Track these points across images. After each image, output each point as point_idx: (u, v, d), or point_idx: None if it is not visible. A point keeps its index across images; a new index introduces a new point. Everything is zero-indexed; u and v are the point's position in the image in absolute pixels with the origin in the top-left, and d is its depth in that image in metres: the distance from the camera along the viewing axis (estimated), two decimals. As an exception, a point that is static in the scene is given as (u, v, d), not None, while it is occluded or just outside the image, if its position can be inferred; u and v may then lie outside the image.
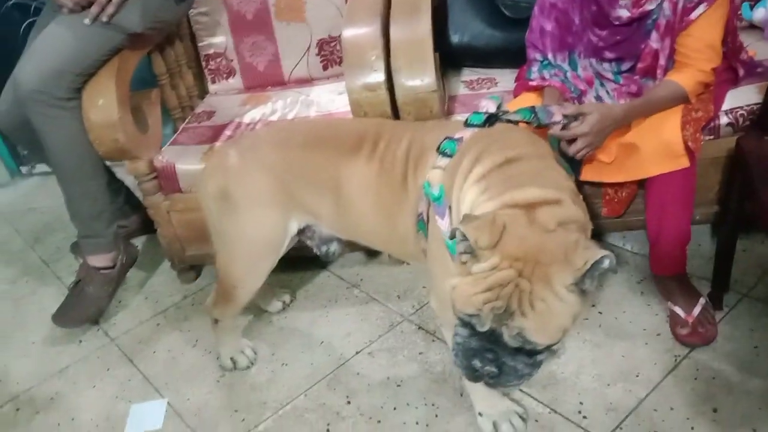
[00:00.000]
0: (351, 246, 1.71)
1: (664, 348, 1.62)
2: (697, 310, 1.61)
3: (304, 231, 1.61)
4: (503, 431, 1.44)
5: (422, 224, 1.37)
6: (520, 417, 1.47)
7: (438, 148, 1.34)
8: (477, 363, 1.10)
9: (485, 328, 1.06)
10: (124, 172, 2.02)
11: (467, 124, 1.39)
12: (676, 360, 1.58)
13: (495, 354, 1.09)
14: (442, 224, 1.28)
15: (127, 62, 1.91)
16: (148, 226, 2.18)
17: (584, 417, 1.48)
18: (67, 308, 1.98)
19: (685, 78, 1.53)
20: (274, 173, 1.50)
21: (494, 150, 1.26)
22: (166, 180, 1.93)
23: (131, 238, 2.21)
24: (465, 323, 1.10)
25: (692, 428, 1.41)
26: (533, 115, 1.41)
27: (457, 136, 1.35)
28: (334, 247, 1.64)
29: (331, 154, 1.47)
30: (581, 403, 1.51)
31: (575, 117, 1.46)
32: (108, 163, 2.02)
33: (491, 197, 1.18)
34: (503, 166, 1.23)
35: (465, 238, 1.07)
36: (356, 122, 1.69)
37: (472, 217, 1.12)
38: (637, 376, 1.56)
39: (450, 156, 1.32)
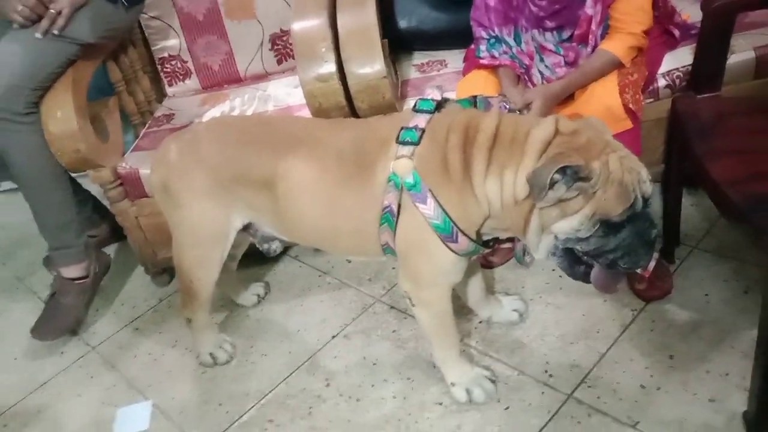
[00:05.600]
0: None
1: (622, 304, 1.70)
2: (652, 265, 1.68)
3: (248, 228, 1.62)
4: (476, 395, 1.51)
5: (389, 217, 1.36)
6: (490, 380, 1.54)
7: (397, 138, 1.35)
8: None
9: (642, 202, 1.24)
10: (89, 182, 2.04)
11: (417, 109, 1.39)
12: (633, 314, 1.66)
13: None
14: (426, 209, 1.31)
15: (83, 72, 1.93)
16: (118, 234, 2.20)
17: (550, 375, 1.55)
18: (45, 321, 2.00)
19: (616, 45, 1.61)
20: (210, 168, 1.51)
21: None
22: (132, 186, 1.96)
23: (102, 246, 2.23)
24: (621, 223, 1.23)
25: (651, 376, 1.49)
26: (473, 106, 1.45)
27: (411, 124, 1.35)
28: (275, 245, 1.65)
29: (265, 152, 1.47)
30: (547, 363, 1.59)
31: (519, 110, 1.53)
32: (73, 174, 2.04)
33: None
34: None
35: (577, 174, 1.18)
36: (296, 122, 1.69)
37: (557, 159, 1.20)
38: (598, 332, 1.63)
39: (412, 144, 1.33)
